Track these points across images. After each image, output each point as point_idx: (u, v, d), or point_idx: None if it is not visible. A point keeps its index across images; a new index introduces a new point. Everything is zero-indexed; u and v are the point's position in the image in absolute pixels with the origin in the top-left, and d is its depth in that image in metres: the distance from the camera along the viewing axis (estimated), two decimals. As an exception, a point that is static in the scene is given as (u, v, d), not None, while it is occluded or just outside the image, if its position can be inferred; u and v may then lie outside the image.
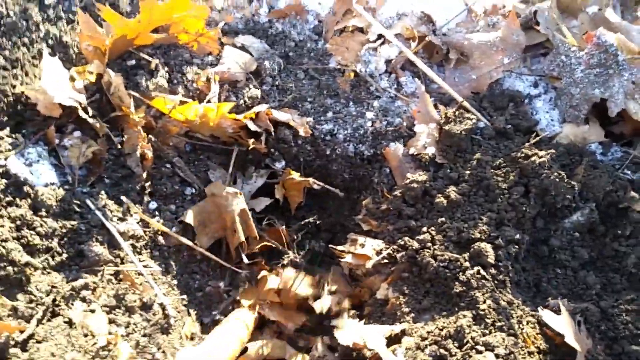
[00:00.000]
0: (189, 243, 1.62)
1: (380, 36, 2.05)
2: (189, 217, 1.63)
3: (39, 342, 1.18)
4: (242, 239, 1.66)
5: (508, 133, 1.76)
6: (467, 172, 1.67)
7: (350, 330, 1.48)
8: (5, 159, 1.43)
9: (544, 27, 1.86)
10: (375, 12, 2.14)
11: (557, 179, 1.58)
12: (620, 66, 1.71)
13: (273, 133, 1.85)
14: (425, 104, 1.84)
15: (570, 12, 1.97)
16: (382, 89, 1.98)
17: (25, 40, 1.71)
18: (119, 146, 1.64)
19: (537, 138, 1.68)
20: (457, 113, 1.79)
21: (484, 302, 1.43)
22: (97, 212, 1.46)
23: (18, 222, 1.34)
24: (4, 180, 1.40)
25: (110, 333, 1.26)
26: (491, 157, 1.68)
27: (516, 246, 1.54)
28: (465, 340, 1.37)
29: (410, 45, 2.01)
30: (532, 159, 1.62)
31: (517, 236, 1.55)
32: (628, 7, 1.96)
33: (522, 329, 1.40)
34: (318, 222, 1.87)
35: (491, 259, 1.49)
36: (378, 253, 1.62)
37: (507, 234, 1.55)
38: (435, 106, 1.85)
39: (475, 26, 2.05)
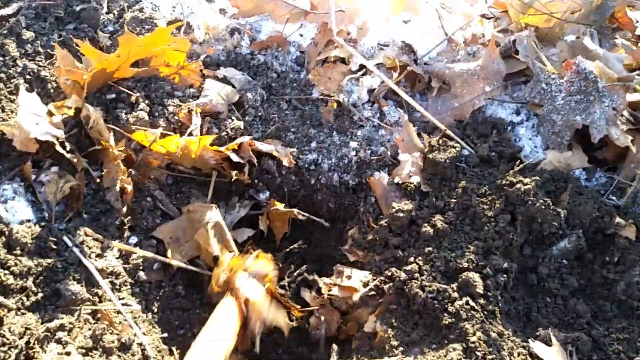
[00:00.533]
0: (174, 263, 1.56)
1: (362, 66, 2.06)
2: (161, 233, 1.59)
3: (10, 389, 1.12)
4: (217, 252, 1.61)
5: (492, 160, 1.75)
6: (453, 200, 1.66)
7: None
8: (-21, 197, 1.40)
9: (524, 55, 1.88)
10: (357, 42, 2.15)
11: (543, 206, 1.57)
12: (600, 93, 1.73)
13: (256, 164, 1.83)
14: (409, 133, 1.83)
15: (548, 40, 2.00)
16: (366, 118, 1.98)
17: (2, 75, 1.70)
18: (98, 180, 1.61)
19: (521, 165, 1.68)
20: (440, 141, 1.79)
21: (474, 333, 1.40)
22: (75, 249, 1.42)
23: (-10, 262, 1.30)
24: (-24, 219, 1.36)
25: (86, 377, 1.21)
26: (476, 185, 1.67)
27: (504, 275, 1.51)
28: (456, 375, 1.33)
29: (392, 74, 2.01)
30: (517, 186, 1.61)
31: (505, 265, 1.52)
32: (605, 35, 2.00)
33: (514, 361, 1.37)
34: (304, 253, 1.83)
35: (480, 288, 1.46)
36: (365, 285, 1.58)
37: (495, 262, 1.52)
38: (419, 135, 1.84)
39: (456, 55, 2.07)
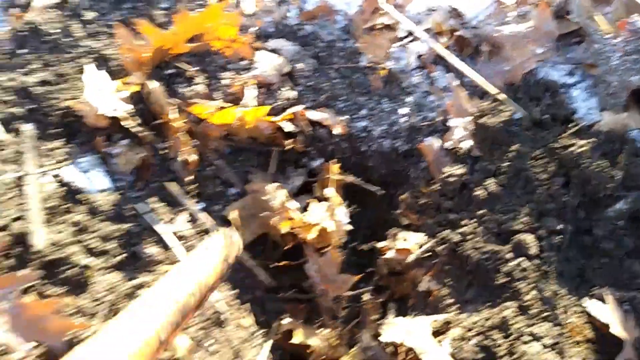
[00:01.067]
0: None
1: (409, 32, 2.07)
2: (232, 214, 1.68)
3: (103, 338, 1.24)
4: (285, 230, 1.70)
5: (545, 123, 1.75)
6: (505, 164, 1.68)
7: (395, 327, 1.50)
8: (61, 169, 1.53)
9: (576, 15, 1.85)
10: (404, 9, 2.16)
11: (598, 168, 1.57)
12: (657, 51, 1.69)
13: (309, 133, 1.89)
14: (459, 98, 1.85)
15: (603, -2, 1.95)
16: (415, 84, 2.00)
17: (70, 55, 1.80)
18: (164, 152, 1.71)
19: (576, 127, 1.68)
20: (491, 105, 1.80)
21: (528, 292, 1.44)
22: (148, 215, 1.53)
23: (77, 227, 1.43)
24: (61, 189, 1.49)
25: (168, 328, 1.32)
26: (529, 148, 1.68)
27: (559, 236, 1.53)
28: (510, 331, 1.38)
29: (440, 40, 2.02)
30: (572, 148, 1.61)
31: (559, 226, 1.54)
32: (664, -10, 1.93)
33: (568, 319, 1.41)
34: (357, 217, 1.89)
35: (533, 249, 1.50)
36: (419, 247, 1.64)
37: (549, 224, 1.55)
38: (469, 99, 1.86)
39: (506, 17, 2.04)
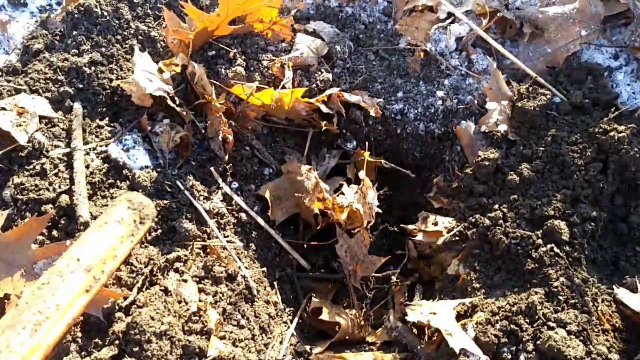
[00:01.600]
0: (262, 222, 1.72)
1: (450, 14, 2.04)
2: (266, 193, 1.74)
3: (139, 307, 1.33)
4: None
5: (585, 108, 1.71)
6: (541, 148, 1.65)
7: (420, 309, 1.53)
8: (106, 146, 1.62)
9: (625, -5, 1.78)
10: (446, -11, 2.12)
11: (638, 155, 1.52)
12: None
13: (344, 114, 1.92)
14: (497, 81, 1.82)
15: (655, -23, 1.86)
16: (453, 67, 1.98)
17: (118, 37, 1.88)
18: (203, 131, 1.78)
19: (617, 112, 1.63)
20: (530, 89, 1.76)
21: (557, 279, 1.43)
22: (186, 192, 1.61)
23: (119, 202, 1.52)
24: (105, 165, 1.59)
25: (200, 301, 1.40)
26: (567, 133, 1.65)
27: (592, 223, 1.51)
28: (536, 317, 1.38)
29: (481, 21, 1.98)
30: (611, 134, 1.57)
31: (594, 213, 1.52)
32: None
33: (597, 306, 1.39)
34: (390, 199, 1.91)
35: (565, 236, 1.48)
36: (449, 230, 1.65)
37: (583, 211, 1.52)
38: (508, 83, 1.83)
39: (551, -2, 1.98)
